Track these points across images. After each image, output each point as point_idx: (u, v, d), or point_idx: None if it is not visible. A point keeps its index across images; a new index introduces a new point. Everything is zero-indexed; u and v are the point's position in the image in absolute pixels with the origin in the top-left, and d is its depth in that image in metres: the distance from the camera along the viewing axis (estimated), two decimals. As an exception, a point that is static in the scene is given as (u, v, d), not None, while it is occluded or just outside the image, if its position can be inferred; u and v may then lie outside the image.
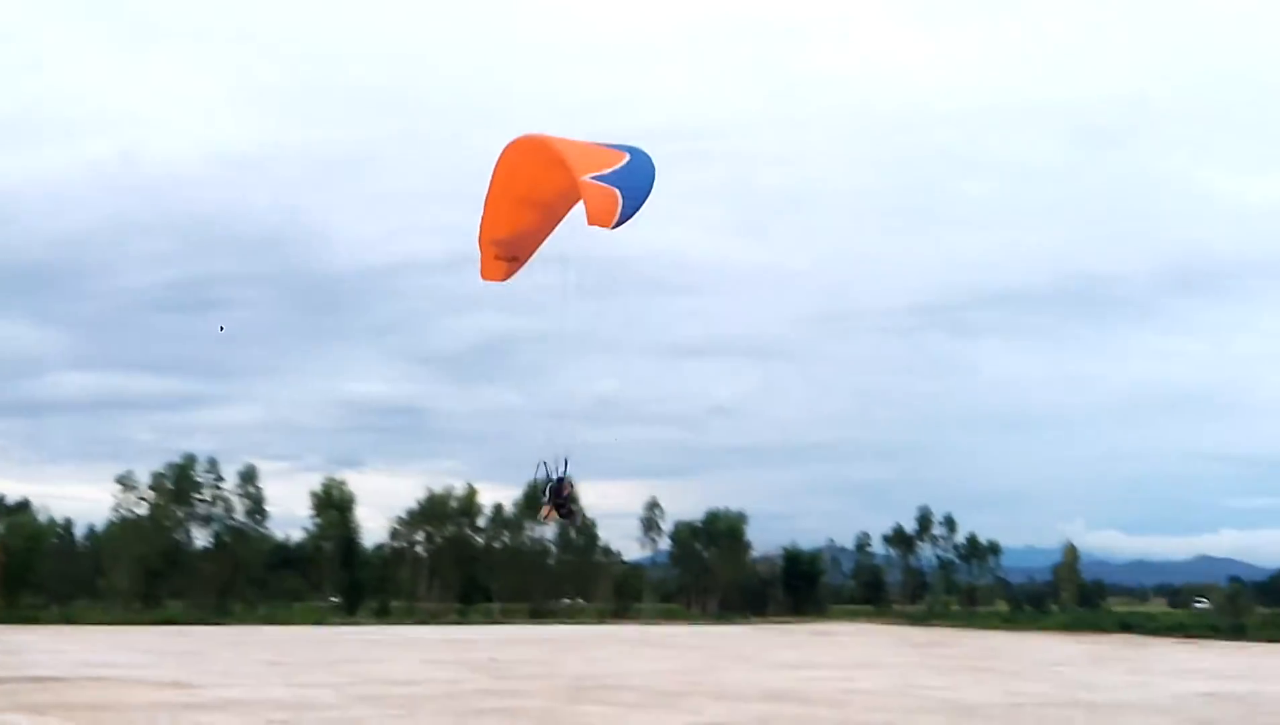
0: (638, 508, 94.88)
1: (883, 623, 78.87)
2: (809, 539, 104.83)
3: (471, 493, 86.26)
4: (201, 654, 37.88)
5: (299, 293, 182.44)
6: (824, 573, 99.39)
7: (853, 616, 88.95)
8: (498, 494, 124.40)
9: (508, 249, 10.73)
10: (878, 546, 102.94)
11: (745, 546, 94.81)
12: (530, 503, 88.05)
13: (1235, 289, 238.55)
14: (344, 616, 73.68)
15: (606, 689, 24.19)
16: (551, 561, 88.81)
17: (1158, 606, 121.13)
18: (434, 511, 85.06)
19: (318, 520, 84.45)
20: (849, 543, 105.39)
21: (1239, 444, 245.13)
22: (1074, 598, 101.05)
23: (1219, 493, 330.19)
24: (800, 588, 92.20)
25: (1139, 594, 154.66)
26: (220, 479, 77.86)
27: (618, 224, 8.70)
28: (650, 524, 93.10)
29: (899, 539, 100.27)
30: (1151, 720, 20.11)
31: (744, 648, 45.28)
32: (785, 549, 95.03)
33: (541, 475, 12.42)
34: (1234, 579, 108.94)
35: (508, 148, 10.55)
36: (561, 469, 12.19)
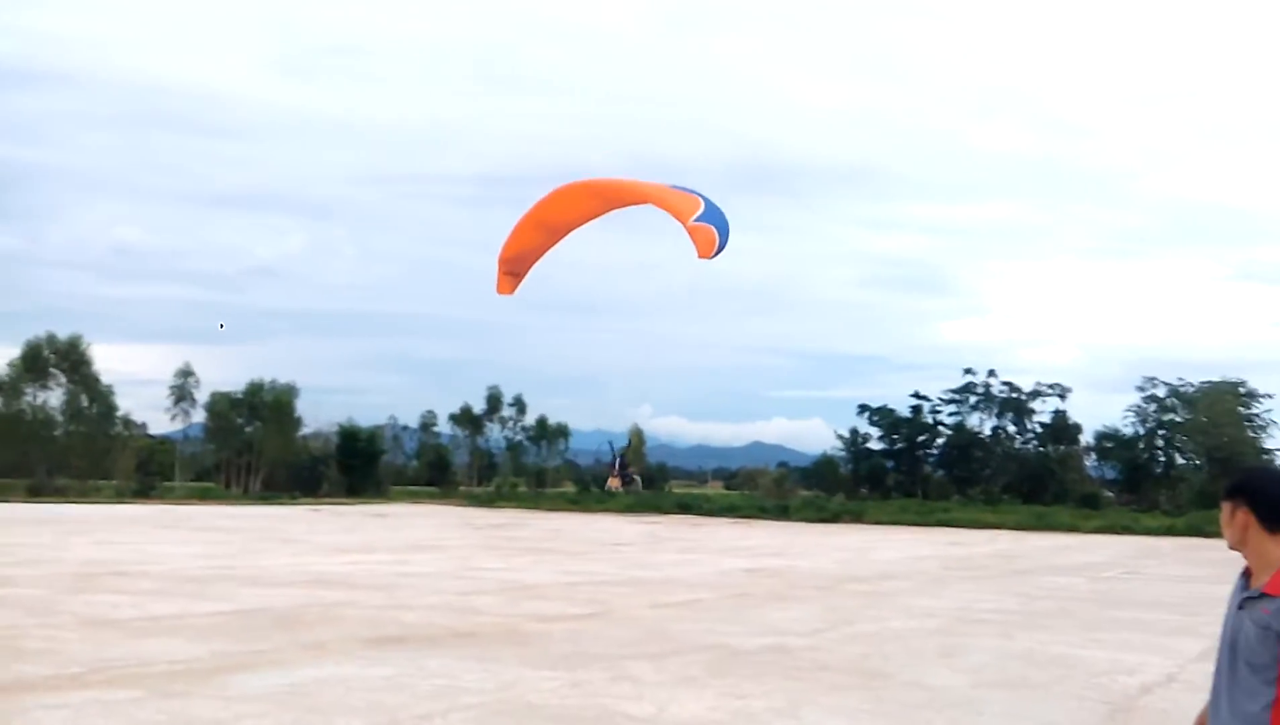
0: (167, 375, 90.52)
1: (447, 504, 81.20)
2: (369, 416, 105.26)
3: (-47, 348, 77.68)
4: None
5: None
6: (384, 452, 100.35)
7: (415, 497, 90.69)
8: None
9: (512, 265, 12.67)
10: (444, 426, 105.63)
11: (295, 422, 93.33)
12: (29, 363, 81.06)
13: (799, 190, 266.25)
14: None
15: (120, 576, 22.99)
16: (59, 432, 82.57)
17: (714, 489, 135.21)
18: (-98, 368, 75.78)
19: None
20: (413, 422, 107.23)
21: (791, 339, 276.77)
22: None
23: (772, 384, 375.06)
24: (357, 467, 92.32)
25: (699, 477, 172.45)
26: None
27: (716, 253, 11.47)
28: (182, 394, 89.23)
29: (466, 419, 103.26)
30: (696, 594, 22.57)
31: (289, 530, 44.76)
32: (341, 426, 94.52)
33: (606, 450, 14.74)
34: (781, 464, 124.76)
35: (564, 186, 12.39)
36: (622, 446, 13.92)
